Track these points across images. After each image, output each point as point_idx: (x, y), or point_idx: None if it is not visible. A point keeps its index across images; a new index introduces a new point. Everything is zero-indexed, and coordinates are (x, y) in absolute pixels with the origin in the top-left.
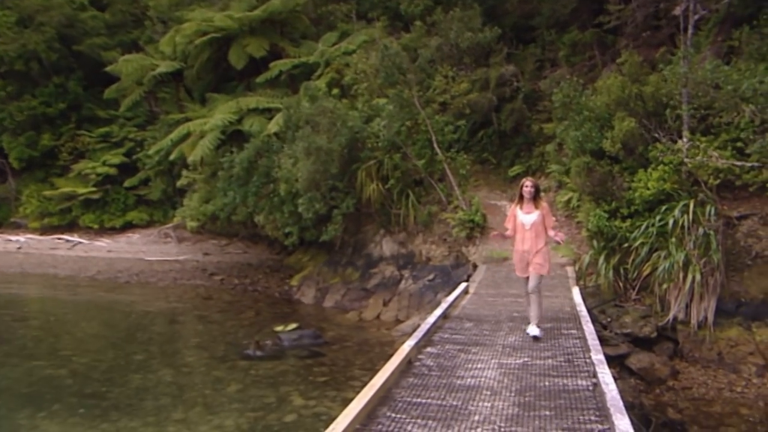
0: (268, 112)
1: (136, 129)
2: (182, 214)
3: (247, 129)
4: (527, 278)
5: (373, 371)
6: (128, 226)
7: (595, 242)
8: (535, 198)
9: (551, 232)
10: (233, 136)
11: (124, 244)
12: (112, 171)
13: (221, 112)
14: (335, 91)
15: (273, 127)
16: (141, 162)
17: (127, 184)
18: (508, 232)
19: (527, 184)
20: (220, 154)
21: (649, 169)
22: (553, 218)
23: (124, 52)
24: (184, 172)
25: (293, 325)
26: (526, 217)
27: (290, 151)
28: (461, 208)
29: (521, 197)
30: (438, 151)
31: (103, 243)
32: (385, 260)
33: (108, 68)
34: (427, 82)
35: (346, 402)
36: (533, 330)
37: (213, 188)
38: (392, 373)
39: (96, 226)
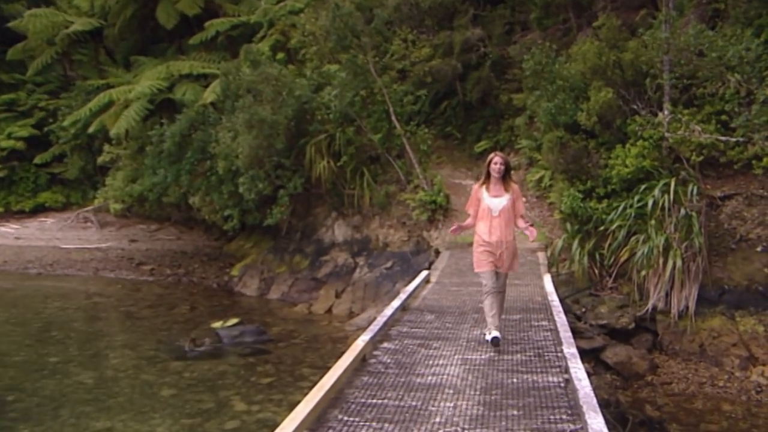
0: (204, 79)
1: (48, 96)
2: (104, 195)
3: (179, 98)
4: (492, 272)
5: (324, 370)
6: (40, 210)
7: (568, 225)
8: (505, 178)
9: (521, 222)
10: (163, 106)
11: (35, 230)
12: (19, 145)
13: (149, 78)
14: (280, 55)
15: (209, 96)
16: (54, 135)
17: (37, 160)
18: (469, 220)
19: (496, 160)
20: (148, 126)
21: (628, 145)
22: (523, 199)
23: (31, 5)
24: (106, 147)
25: (234, 320)
26: (494, 201)
27: (229, 124)
28: (422, 188)
29: (488, 176)
30: (396, 124)
31: (10, 229)
32: (338, 246)
33: (11, 24)
34: (384, 47)
35: (294, 405)
36: (495, 332)
37: (140, 165)
38: (344, 372)
39: (1, 209)
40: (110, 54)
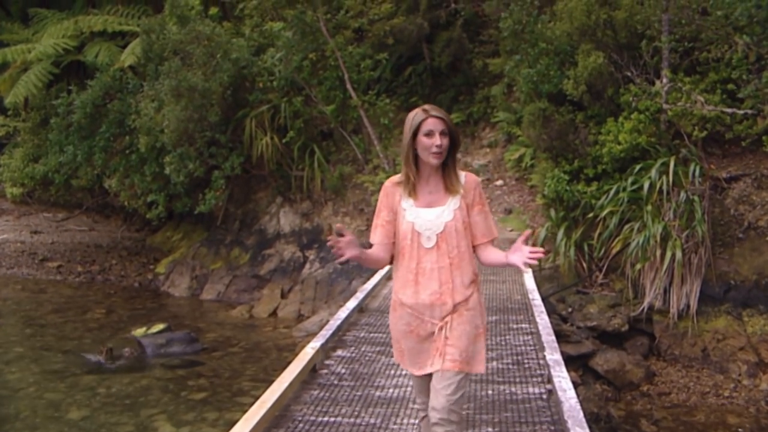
0: (121, 38)
1: None
2: None
3: (90, 60)
4: (426, 378)
5: (267, 383)
6: None
7: (552, 212)
8: (447, 164)
9: (490, 253)
10: (71, 70)
11: None
12: None
13: (53, 36)
14: (213, 10)
15: (128, 58)
16: None
17: None
18: (376, 251)
19: (429, 123)
20: (52, 93)
21: (621, 118)
22: (484, 206)
23: None
24: (0, 119)
25: (159, 326)
26: (424, 214)
27: (152, 92)
28: (383, 168)
29: (415, 161)
30: (352, 93)
31: None
32: (284, 238)
33: None
34: (337, 2)
35: (231, 425)
36: None
37: (43, 141)
38: (291, 385)
39: None
40: (3, 5)
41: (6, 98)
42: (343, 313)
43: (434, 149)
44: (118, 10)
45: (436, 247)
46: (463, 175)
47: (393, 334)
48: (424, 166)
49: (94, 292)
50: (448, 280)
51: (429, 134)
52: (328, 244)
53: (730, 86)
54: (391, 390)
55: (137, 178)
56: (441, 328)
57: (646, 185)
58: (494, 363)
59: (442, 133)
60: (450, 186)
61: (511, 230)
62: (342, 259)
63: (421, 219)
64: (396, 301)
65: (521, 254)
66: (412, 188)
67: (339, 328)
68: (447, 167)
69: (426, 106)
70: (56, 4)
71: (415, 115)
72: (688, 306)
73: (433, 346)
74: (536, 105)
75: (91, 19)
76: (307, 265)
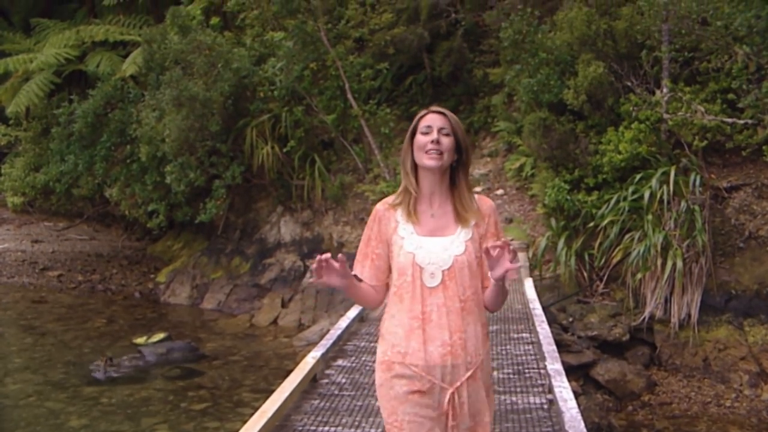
0: (122, 47)
1: None
2: (0, 186)
3: (92, 69)
4: None
5: (267, 393)
6: None
7: (553, 221)
8: (455, 177)
9: (489, 294)
10: (72, 79)
11: None
12: None
13: (54, 46)
14: (215, 20)
15: (129, 67)
16: None
17: None
18: (368, 290)
19: (430, 119)
20: (54, 103)
21: (621, 128)
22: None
23: None
24: (2, 129)
25: (160, 336)
26: (429, 245)
27: (153, 101)
28: (383, 177)
29: (414, 171)
30: (353, 103)
31: None
32: (284, 247)
33: None
34: (338, 11)
35: None
36: None
37: (45, 151)
38: (291, 395)
39: None
40: (5, 15)
41: (7, 107)
42: (343, 322)
43: (429, 146)
44: (120, 20)
45: (442, 286)
46: (482, 200)
47: (386, 405)
48: (424, 178)
49: (94, 302)
50: (460, 328)
51: (426, 132)
52: (315, 262)
53: (731, 96)
54: None
55: (138, 188)
56: (453, 395)
57: (647, 195)
58: (495, 373)
59: (442, 132)
60: (461, 210)
61: (512, 239)
62: (319, 280)
63: (423, 250)
64: (390, 361)
65: (501, 265)
66: (413, 207)
67: (340, 337)
68: (457, 185)
69: (432, 107)
70: (58, 14)
71: (421, 114)
72: (689, 316)
73: (442, 419)
74: (537, 114)
75: (92, 28)
76: (308, 274)
